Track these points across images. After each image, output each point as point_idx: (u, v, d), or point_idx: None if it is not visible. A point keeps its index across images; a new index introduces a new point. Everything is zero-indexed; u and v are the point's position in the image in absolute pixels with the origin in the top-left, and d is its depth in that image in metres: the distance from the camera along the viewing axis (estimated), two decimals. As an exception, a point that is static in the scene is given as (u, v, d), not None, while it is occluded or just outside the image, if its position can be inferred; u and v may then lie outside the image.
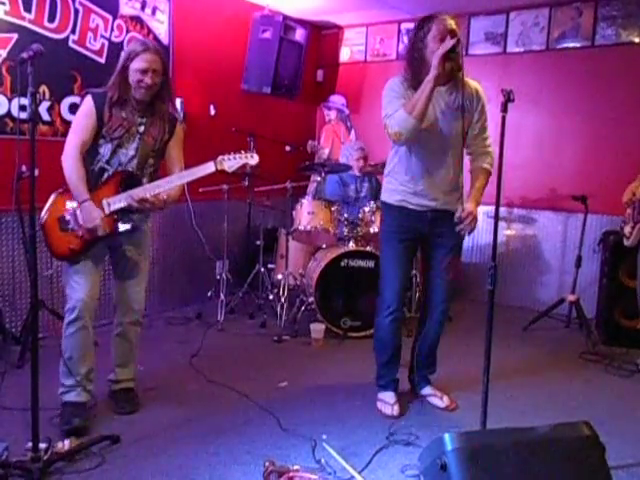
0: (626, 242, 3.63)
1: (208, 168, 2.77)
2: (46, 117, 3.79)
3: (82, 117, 2.68)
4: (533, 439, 1.86)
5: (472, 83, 2.87)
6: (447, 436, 1.83)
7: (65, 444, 2.37)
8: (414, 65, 2.75)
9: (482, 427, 2.37)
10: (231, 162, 2.82)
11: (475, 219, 2.77)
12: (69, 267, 2.74)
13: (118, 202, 2.68)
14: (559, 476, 1.81)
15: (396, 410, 2.99)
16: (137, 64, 2.63)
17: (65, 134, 2.82)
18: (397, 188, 2.92)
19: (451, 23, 2.66)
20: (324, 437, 2.67)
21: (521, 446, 1.84)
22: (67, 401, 2.73)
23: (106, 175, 2.74)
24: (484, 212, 5.04)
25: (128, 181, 2.74)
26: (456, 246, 3.07)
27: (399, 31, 5.68)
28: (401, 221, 2.93)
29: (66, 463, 2.34)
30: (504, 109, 2.22)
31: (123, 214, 2.73)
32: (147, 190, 2.69)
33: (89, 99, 2.69)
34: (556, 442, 1.85)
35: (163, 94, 2.77)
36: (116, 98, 2.68)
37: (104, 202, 2.68)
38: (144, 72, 2.63)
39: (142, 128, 2.78)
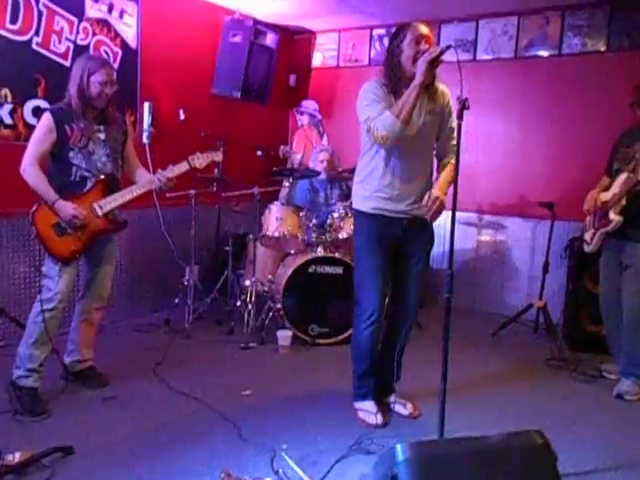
0: (586, 248, 3.64)
1: (183, 167, 3.20)
2: (8, 120, 3.71)
3: (42, 132, 2.89)
4: (485, 449, 1.85)
5: (440, 86, 2.89)
6: (399, 447, 1.81)
7: (15, 456, 2.31)
8: (392, 70, 2.79)
9: (439, 436, 2.36)
10: (201, 160, 3.28)
11: (442, 204, 2.72)
12: (58, 261, 2.92)
13: (109, 204, 3.02)
14: (510, 486, 1.81)
15: (380, 418, 2.96)
16: (98, 77, 2.92)
17: (28, 138, 2.94)
18: (372, 195, 2.89)
19: (424, 29, 2.74)
20: (284, 447, 2.63)
21: (473, 456, 1.82)
22: (25, 386, 2.91)
23: (89, 182, 2.99)
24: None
25: (112, 185, 3.07)
26: (428, 253, 3.08)
27: (371, 37, 5.69)
28: (378, 229, 2.90)
29: (16, 476, 2.27)
30: (459, 116, 2.23)
31: (112, 211, 3.08)
32: (134, 191, 3.09)
33: (48, 116, 2.91)
34: (507, 451, 1.84)
35: (112, 100, 3.05)
36: (81, 110, 2.92)
37: (95, 205, 2.99)
38: (105, 84, 2.94)
39: (103, 135, 3.04)
